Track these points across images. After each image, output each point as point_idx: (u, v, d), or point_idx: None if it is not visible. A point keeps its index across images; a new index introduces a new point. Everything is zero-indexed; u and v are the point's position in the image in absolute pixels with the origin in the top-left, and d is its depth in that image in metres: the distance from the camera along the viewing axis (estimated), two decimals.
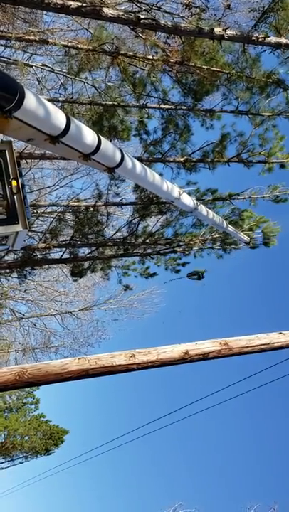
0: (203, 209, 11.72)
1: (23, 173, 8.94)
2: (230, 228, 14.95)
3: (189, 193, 12.25)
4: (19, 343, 30.61)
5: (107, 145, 7.10)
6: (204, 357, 5.11)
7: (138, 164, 8.30)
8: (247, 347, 5.46)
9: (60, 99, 15.00)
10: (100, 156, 6.97)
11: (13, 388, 4.31)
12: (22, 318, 29.09)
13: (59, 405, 51.85)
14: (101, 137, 6.95)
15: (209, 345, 5.16)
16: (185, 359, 4.95)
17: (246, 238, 16.86)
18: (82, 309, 30.67)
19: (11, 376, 4.14)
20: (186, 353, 4.94)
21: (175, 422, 8.76)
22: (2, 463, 37.65)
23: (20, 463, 38.59)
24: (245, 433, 54.77)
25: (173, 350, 4.90)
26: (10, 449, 36.20)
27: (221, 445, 53.87)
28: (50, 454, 38.35)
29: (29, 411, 38.80)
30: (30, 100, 5.49)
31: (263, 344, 5.52)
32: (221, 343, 5.25)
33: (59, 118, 6.05)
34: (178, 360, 4.91)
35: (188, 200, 10.61)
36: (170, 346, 4.95)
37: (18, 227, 6.34)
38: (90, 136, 6.64)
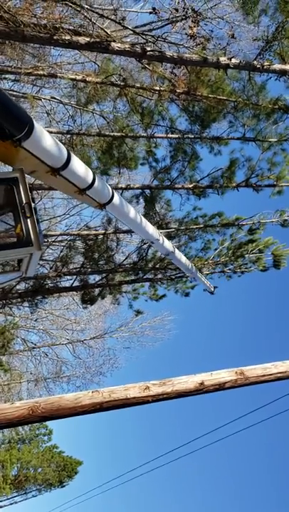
0: (177, 253, 12.14)
1: (36, 201, 9.07)
2: (199, 275, 15.26)
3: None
4: (31, 374, 30.42)
5: (100, 181, 7.34)
6: (220, 387, 4.99)
7: (125, 203, 8.56)
8: (263, 376, 5.33)
9: (73, 131, 15.25)
10: (94, 192, 7.16)
11: (26, 423, 4.24)
12: (33, 347, 28.96)
13: (71, 435, 51.16)
14: (95, 174, 7.19)
15: (225, 375, 5.04)
16: (200, 390, 4.83)
17: (211, 287, 16.81)
18: (94, 338, 30.52)
19: (25, 411, 4.07)
20: (202, 383, 4.83)
21: (190, 453, 8.57)
22: (15, 497, 36.83)
23: (34, 496, 37.78)
24: (265, 462, 53.40)
25: (188, 381, 4.79)
26: (23, 482, 35.50)
27: (240, 475, 52.52)
28: (64, 486, 37.56)
29: (42, 442, 38.21)
30: (37, 131, 5.66)
31: (280, 372, 5.39)
32: (236, 373, 5.13)
33: (61, 151, 6.23)
34: (193, 391, 4.80)
35: (167, 243, 11.00)
36: (185, 377, 4.85)
37: (32, 249, 6.39)
38: (86, 171, 6.87)
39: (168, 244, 11.09)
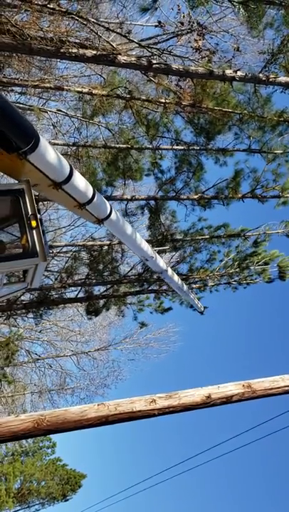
0: (170, 272, 12.31)
1: (41, 213, 9.14)
2: (191, 295, 15.45)
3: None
4: (35, 385, 30.24)
5: (99, 197, 7.40)
6: (227, 400, 4.92)
7: (122, 219, 8.66)
8: (271, 389, 5.26)
9: (79, 143, 15.34)
10: (93, 207, 7.23)
11: (31, 436, 4.19)
12: (38, 359, 28.86)
13: (75, 448, 50.74)
14: (94, 189, 7.26)
15: (232, 388, 4.98)
16: (207, 403, 4.77)
17: (201, 307, 17.10)
18: (98, 349, 30.37)
19: (30, 424, 4.03)
20: (209, 396, 4.76)
21: (196, 467, 8.44)
22: (18, 510, 36.29)
23: (37, 510, 37.23)
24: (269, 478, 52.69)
25: (195, 394, 4.73)
26: (26, 495, 35.01)
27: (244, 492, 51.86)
28: (68, 500, 37.01)
29: (45, 455, 37.72)
30: (43, 145, 5.72)
31: (288, 386, 5.32)
32: (244, 386, 5.06)
33: (64, 165, 6.30)
34: (200, 405, 4.73)
35: (161, 262, 11.17)
36: (192, 390, 4.78)
37: (38, 260, 6.42)
38: (86, 186, 6.94)
39: (161, 263, 11.23)
